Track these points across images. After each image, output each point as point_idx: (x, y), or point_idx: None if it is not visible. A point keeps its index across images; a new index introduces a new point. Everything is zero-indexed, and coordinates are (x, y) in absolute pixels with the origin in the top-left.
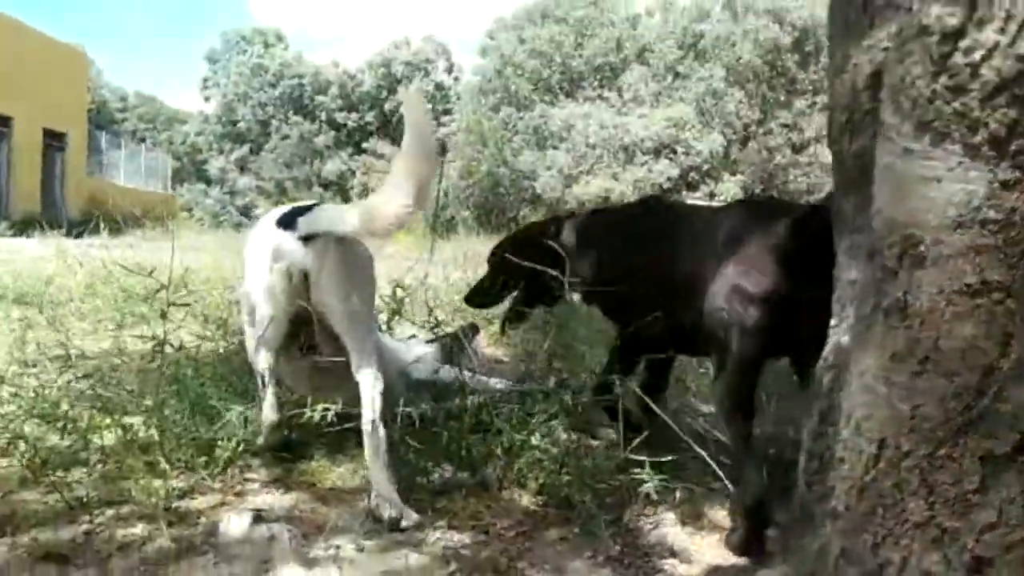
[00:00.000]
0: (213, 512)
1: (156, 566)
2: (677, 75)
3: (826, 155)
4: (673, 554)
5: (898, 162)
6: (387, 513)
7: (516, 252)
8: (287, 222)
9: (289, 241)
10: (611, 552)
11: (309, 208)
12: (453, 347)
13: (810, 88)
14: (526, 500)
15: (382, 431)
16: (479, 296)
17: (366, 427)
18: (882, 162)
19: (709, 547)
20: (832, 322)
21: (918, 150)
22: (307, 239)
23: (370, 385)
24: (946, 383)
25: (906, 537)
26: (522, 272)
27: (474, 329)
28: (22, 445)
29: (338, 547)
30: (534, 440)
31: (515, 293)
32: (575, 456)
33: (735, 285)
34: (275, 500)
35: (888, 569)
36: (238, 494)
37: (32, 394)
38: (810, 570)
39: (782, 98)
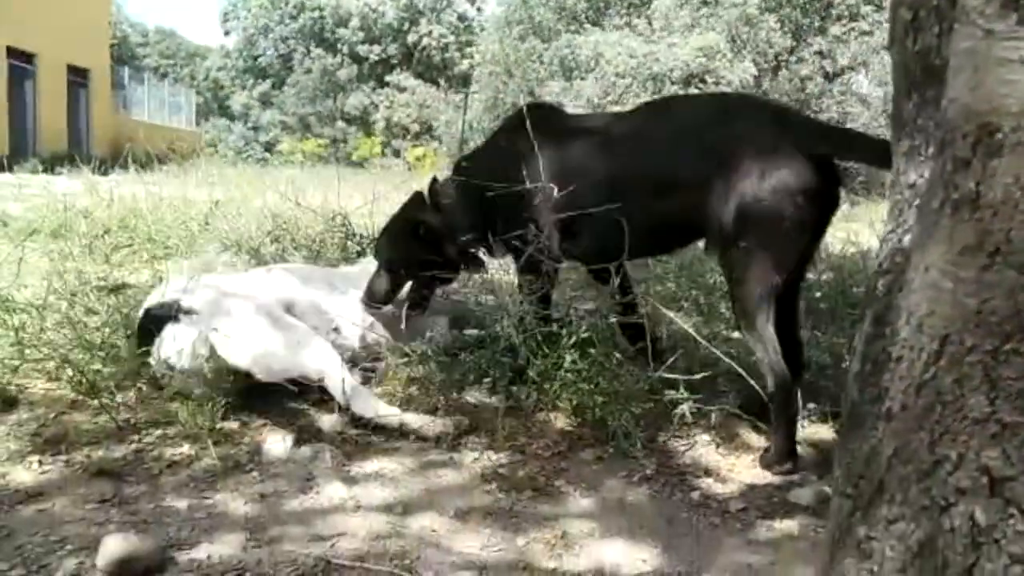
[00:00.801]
0: (256, 433)
1: (205, 483)
2: (706, 2)
3: (859, 84)
4: (707, 473)
5: (979, 46)
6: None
7: (395, 247)
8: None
9: None
10: (646, 471)
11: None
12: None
13: (846, 13)
14: (561, 422)
15: None
16: (375, 296)
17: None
18: (960, 48)
19: (743, 467)
20: (888, 227)
21: (1001, 31)
22: None
23: None
24: (1016, 276)
25: (964, 433)
26: (408, 263)
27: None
28: (70, 370)
29: (379, 467)
30: (566, 363)
31: (410, 284)
32: (608, 377)
33: (787, 183)
34: (315, 422)
35: (944, 465)
36: (277, 415)
37: (75, 320)
38: (860, 472)
39: (816, 24)
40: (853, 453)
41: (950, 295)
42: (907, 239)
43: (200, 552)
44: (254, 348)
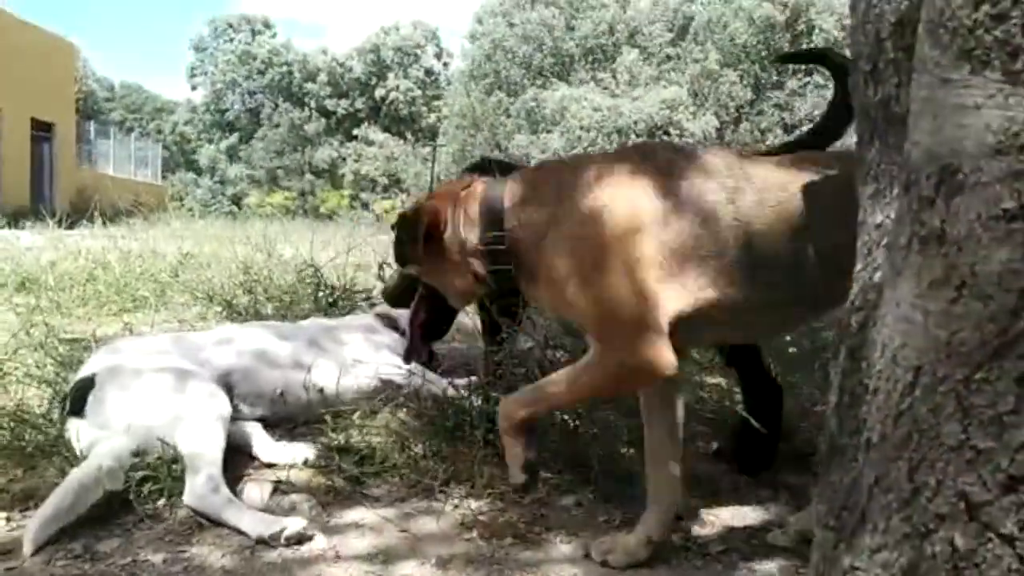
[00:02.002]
0: (233, 484)
1: (181, 536)
2: (669, 57)
3: None
4: (687, 517)
5: (937, 93)
6: None
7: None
8: None
9: None
10: (627, 515)
11: None
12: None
13: (803, 68)
14: (540, 468)
15: None
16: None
17: None
18: (920, 95)
19: (723, 509)
20: (858, 266)
21: (957, 79)
22: None
23: None
24: (982, 307)
25: (941, 461)
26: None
27: None
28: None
29: (358, 516)
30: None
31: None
32: (584, 423)
33: None
34: (293, 474)
35: (924, 492)
36: (256, 467)
37: (37, 370)
38: (842, 504)
39: (774, 78)
40: (834, 486)
41: (921, 327)
42: (877, 276)
43: None
44: (133, 417)
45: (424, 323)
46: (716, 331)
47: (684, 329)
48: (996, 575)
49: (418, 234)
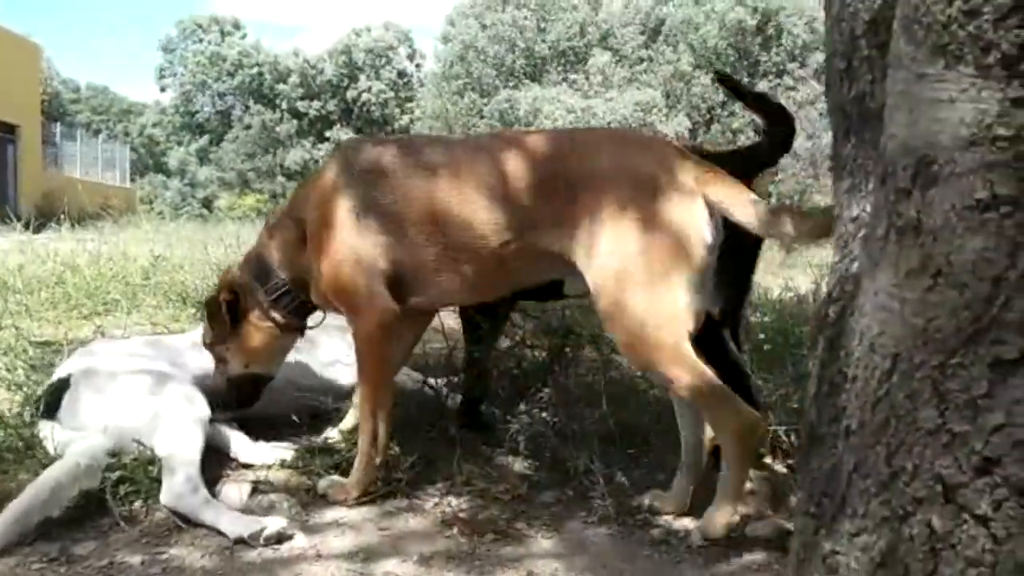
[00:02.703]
0: (211, 485)
1: (159, 537)
2: (642, 60)
3: None
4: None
5: (913, 88)
6: None
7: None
8: None
9: None
10: (606, 511)
11: None
12: None
13: (773, 70)
14: (519, 464)
15: None
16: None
17: None
18: (896, 90)
19: (702, 504)
20: (835, 258)
21: (932, 74)
22: None
23: None
24: (957, 295)
25: (918, 445)
26: None
27: None
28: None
29: (338, 515)
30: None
31: None
32: (563, 418)
33: None
34: (272, 474)
35: (902, 476)
36: (233, 468)
37: (7, 374)
38: (822, 490)
39: (745, 80)
40: (813, 473)
41: (898, 316)
42: (854, 267)
43: None
44: (109, 419)
45: (242, 398)
46: (430, 287)
47: (402, 285)
48: (972, 555)
49: (223, 314)
